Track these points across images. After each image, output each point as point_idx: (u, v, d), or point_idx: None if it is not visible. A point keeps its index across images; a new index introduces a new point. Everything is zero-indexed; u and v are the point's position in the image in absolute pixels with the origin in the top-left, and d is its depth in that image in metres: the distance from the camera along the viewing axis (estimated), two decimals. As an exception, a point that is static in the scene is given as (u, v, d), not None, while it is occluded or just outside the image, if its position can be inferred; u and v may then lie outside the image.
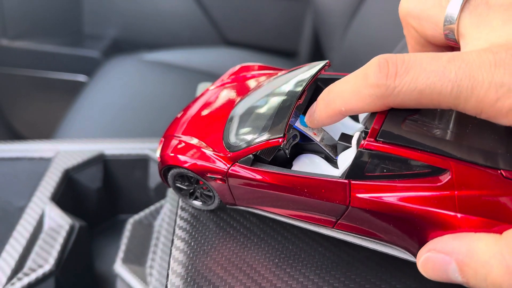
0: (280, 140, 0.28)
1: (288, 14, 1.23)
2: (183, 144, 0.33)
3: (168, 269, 0.31)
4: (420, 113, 0.26)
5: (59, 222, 0.49)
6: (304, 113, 0.31)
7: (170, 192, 0.54)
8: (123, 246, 0.48)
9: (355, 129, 0.32)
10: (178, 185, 0.34)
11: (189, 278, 0.30)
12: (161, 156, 0.34)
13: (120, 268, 0.46)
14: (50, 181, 0.54)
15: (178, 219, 0.35)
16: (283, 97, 0.31)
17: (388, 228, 0.26)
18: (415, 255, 0.26)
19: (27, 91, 1.34)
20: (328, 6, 1.05)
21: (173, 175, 0.34)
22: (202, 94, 0.38)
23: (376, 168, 0.26)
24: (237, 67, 0.41)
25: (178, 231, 0.34)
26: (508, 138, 0.25)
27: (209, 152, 0.31)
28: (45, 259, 0.46)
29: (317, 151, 0.32)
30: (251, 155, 0.30)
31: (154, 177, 0.58)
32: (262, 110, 0.31)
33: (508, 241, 0.22)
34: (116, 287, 0.46)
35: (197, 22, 1.25)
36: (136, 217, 0.52)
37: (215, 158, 0.31)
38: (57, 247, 0.47)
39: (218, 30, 1.26)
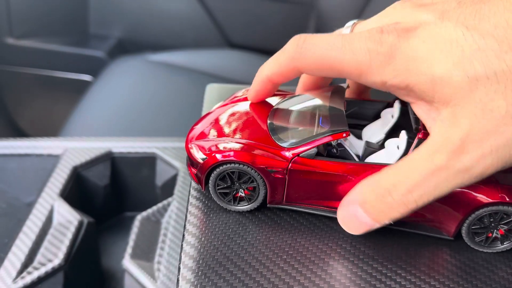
0: (345, 134, 0.32)
1: (291, 18, 1.24)
2: (231, 143, 0.33)
3: (180, 263, 0.32)
4: None
5: (68, 217, 0.50)
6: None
7: (177, 190, 0.55)
8: (131, 242, 0.49)
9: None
10: (221, 190, 0.35)
11: (200, 272, 0.31)
12: (210, 155, 0.33)
13: (128, 263, 0.47)
14: (58, 178, 0.55)
15: (188, 215, 0.35)
16: (324, 104, 0.35)
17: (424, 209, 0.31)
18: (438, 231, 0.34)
19: (32, 90, 1.35)
20: (331, 11, 1.07)
21: (219, 174, 0.34)
22: (221, 106, 0.39)
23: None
24: None
25: (189, 227, 0.34)
26: None
27: (262, 149, 0.33)
28: (54, 254, 0.46)
29: (342, 157, 0.35)
30: (315, 149, 0.32)
31: (161, 175, 0.59)
32: (307, 113, 0.35)
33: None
34: (124, 282, 0.47)
35: (201, 24, 1.26)
36: (144, 214, 0.53)
37: (272, 153, 0.33)
38: (66, 242, 0.48)
39: (222, 32, 1.26)
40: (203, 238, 0.33)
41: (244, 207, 0.35)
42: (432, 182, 0.27)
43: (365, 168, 0.32)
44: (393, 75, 0.29)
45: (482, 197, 0.31)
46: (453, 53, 0.27)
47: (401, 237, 0.34)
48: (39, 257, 0.46)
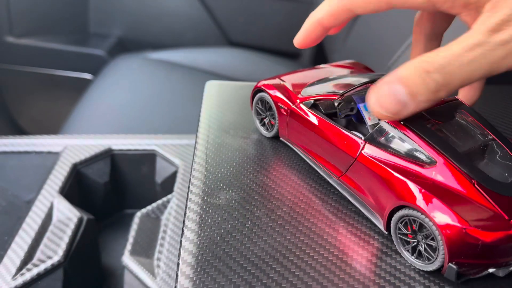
0: (337, 96, 0.36)
1: (291, 16, 1.24)
2: (277, 80, 0.42)
3: (179, 259, 0.32)
4: (434, 115, 0.32)
5: (67, 214, 0.50)
6: None
7: (177, 187, 0.55)
8: (131, 239, 0.49)
9: None
10: (258, 108, 0.43)
11: (199, 268, 0.31)
12: (257, 84, 0.43)
13: (128, 260, 0.47)
14: (58, 175, 0.55)
15: (187, 211, 0.35)
16: (358, 79, 0.39)
17: (373, 187, 0.33)
18: (380, 221, 0.33)
19: (32, 89, 1.35)
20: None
21: (258, 97, 0.43)
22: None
23: (388, 140, 0.32)
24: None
25: (188, 223, 0.34)
26: (493, 154, 0.31)
27: (288, 93, 0.40)
28: (54, 251, 0.46)
29: (363, 133, 0.36)
30: (312, 100, 0.38)
31: (161, 172, 0.59)
32: (338, 81, 0.40)
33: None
34: (124, 278, 0.47)
35: (201, 23, 1.26)
36: (144, 211, 0.53)
37: (289, 96, 0.40)
38: (66, 239, 0.48)
39: (222, 30, 1.27)
40: (202, 234, 0.33)
41: (268, 132, 0.43)
42: (469, 56, 0.27)
43: (343, 135, 0.35)
44: None
45: (399, 195, 0.30)
46: None
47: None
48: (38, 254, 0.46)
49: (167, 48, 1.21)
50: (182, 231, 0.34)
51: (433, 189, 0.29)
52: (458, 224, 0.27)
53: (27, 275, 0.44)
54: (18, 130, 1.30)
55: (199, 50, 1.21)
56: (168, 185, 0.58)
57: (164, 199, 0.54)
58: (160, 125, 0.88)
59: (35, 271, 0.44)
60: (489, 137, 0.32)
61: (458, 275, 0.28)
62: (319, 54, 1.24)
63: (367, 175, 0.33)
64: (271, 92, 0.41)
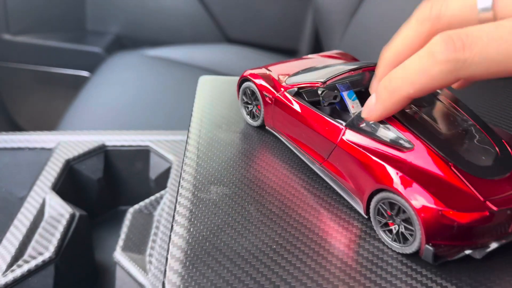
0: (319, 84, 0.37)
1: (289, 12, 1.24)
2: (263, 70, 0.42)
3: (167, 254, 0.31)
4: (415, 101, 0.32)
5: (59, 211, 0.50)
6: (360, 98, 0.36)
7: (170, 183, 0.54)
8: (123, 235, 0.49)
9: None
10: (244, 98, 0.43)
11: (187, 263, 0.30)
12: (246, 72, 0.43)
13: (119, 256, 0.47)
14: (51, 171, 0.55)
15: (178, 206, 0.35)
16: (342, 67, 0.39)
17: (353, 172, 0.33)
18: (360, 206, 0.33)
19: (29, 86, 1.35)
20: (328, 5, 1.06)
21: (244, 87, 0.43)
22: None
23: (367, 125, 0.33)
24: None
25: (178, 217, 0.34)
26: (472, 138, 0.31)
27: (273, 82, 0.41)
28: (45, 247, 0.46)
29: (346, 121, 0.36)
30: (295, 88, 0.38)
31: (155, 169, 0.59)
32: (323, 70, 0.40)
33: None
34: (116, 275, 0.47)
35: (198, 20, 1.26)
36: (136, 206, 0.53)
37: (274, 85, 0.40)
38: (57, 235, 0.47)
39: (219, 27, 1.26)
40: (192, 229, 0.33)
41: (254, 121, 0.43)
42: None
43: (325, 122, 0.35)
44: None
45: (377, 179, 0.30)
46: None
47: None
48: (29, 250, 0.46)
49: (164, 45, 1.21)
50: (172, 226, 0.33)
51: (410, 172, 0.29)
52: (434, 206, 0.27)
53: (18, 272, 0.43)
54: (15, 127, 1.30)
55: (197, 47, 1.20)
56: (162, 181, 0.58)
57: (157, 195, 0.54)
58: (157, 122, 0.87)
59: (25, 268, 0.44)
60: (469, 122, 0.32)
61: (435, 257, 0.28)
62: (317, 51, 1.23)
63: (348, 160, 0.33)
64: (256, 81, 0.41)
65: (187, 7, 1.25)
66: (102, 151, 0.59)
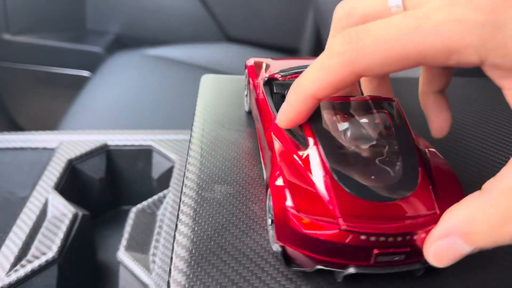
0: (278, 76, 0.37)
1: (290, 11, 1.24)
2: (265, 60, 0.43)
3: (172, 253, 0.31)
4: (347, 108, 0.31)
5: (62, 210, 0.50)
6: None
7: (173, 182, 0.54)
8: (126, 234, 0.49)
9: None
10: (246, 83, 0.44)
11: (192, 262, 0.30)
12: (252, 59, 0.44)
13: (123, 255, 0.47)
14: (53, 171, 0.55)
15: (182, 205, 0.35)
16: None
17: (267, 164, 0.33)
18: None
19: (30, 86, 1.35)
20: (329, 4, 1.06)
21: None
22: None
23: None
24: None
25: (182, 217, 0.34)
26: (376, 156, 0.29)
27: (260, 70, 0.41)
28: (48, 247, 0.46)
29: None
30: (266, 78, 0.38)
31: (157, 168, 0.59)
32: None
33: (490, 195, 0.23)
34: (119, 274, 0.47)
35: (199, 19, 1.26)
36: (139, 206, 0.53)
37: (259, 74, 0.40)
38: (60, 235, 0.47)
39: (220, 26, 1.26)
40: (196, 228, 0.33)
41: (246, 105, 0.44)
42: None
43: (268, 112, 0.35)
44: (497, 53, 0.22)
45: (268, 173, 0.31)
46: None
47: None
48: (32, 250, 0.46)
49: (164, 44, 1.21)
50: (176, 226, 0.33)
51: (290, 171, 0.28)
52: (288, 206, 0.26)
53: (21, 272, 0.43)
54: (16, 128, 1.30)
55: (197, 46, 1.20)
56: (165, 180, 0.58)
57: (160, 194, 0.54)
58: (159, 122, 0.87)
59: (29, 268, 0.44)
60: (393, 143, 0.29)
61: (286, 259, 0.28)
62: (318, 50, 1.23)
63: (267, 151, 0.33)
64: (249, 66, 0.42)
65: (188, 6, 1.26)
66: (104, 150, 0.59)
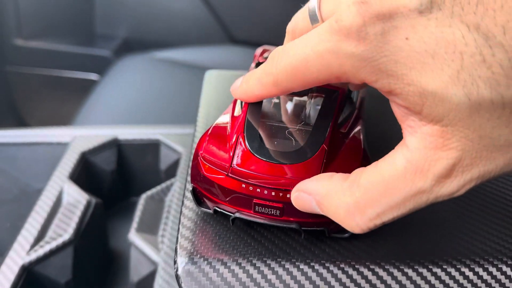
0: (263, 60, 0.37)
1: (293, 13, 1.25)
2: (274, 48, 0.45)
3: (178, 234, 0.34)
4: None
5: (77, 198, 0.53)
6: None
7: (180, 171, 0.57)
8: (136, 218, 0.52)
9: None
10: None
11: (197, 231, 0.33)
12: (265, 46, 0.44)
13: (134, 236, 0.50)
14: (68, 162, 0.58)
15: (186, 192, 0.38)
16: None
17: None
18: None
19: (40, 90, 1.38)
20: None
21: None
22: None
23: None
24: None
25: (187, 202, 0.37)
26: (291, 133, 0.32)
27: (262, 56, 0.40)
28: (64, 230, 0.49)
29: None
30: (258, 61, 0.38)
31: (165, 160, 0.62)
32: None
33: (352, 184, 0.25)
34: (130, 254, 0.50)
35: (204, 21, 1.28)
36: (149, 193, 0.56)
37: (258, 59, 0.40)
38: (75, 219, 0.50)
39: (225, 29, 1.29)
40: (199, 212, 0.36)
41: None
42: (410, 205, 0.24)
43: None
44: (373, 79, 0.23)
45: None
46: (450, 62, 0.21)
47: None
48: (50, 233, 0.49)
49: (171, 47, 1.24)
50: (183, 202, 0.36)
51: (218, 127, 0.33)
52: (200, 153, 0.31)
53: (40, 251, 0.47)
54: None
55: (203, 48, 1.23)
56: (172, 171, 0.61)
57: (168, 182, 0.57)
58: (166, 120, 0.90)
59: (47, 248, 0.47)
60: (310, 120, 0.33)
61: (197, 198, 0.33)
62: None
63: None
64: (255, 56, 0.42)
65: (193, 9, 1.28)
66: (115, 144, 0.62)
